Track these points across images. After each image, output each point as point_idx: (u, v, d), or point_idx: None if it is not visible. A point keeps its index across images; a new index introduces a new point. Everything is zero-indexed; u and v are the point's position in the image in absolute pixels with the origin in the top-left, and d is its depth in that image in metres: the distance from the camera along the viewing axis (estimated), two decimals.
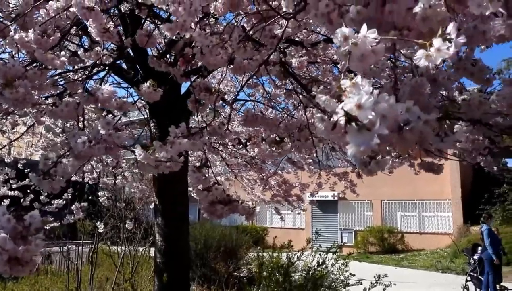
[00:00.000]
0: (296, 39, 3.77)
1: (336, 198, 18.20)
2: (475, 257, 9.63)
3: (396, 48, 0.98)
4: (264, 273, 5.29)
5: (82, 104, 1.63)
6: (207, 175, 1.50)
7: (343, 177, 7.71)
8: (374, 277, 5.39)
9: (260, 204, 11.15)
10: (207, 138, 1.56)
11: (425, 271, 12.91)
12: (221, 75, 5.77)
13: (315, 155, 6.61)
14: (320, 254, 5.61)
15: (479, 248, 9.72)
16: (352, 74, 0.76)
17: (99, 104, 1.68)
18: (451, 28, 0.76)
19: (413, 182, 12.08)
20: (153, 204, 4.65)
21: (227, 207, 1.51)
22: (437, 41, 0.76)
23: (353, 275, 5.60)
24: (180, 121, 3.24)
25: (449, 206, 16.69)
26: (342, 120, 0.67)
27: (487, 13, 0.82)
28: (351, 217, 19.26)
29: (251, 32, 2.19)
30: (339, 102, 0.73)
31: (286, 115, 4.85)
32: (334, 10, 1.06)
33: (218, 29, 2.90)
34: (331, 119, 0.90)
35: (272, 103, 5.78)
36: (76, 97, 1.69)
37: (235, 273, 9.46)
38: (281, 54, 3.89)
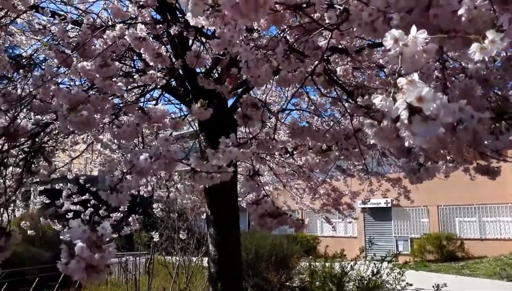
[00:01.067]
0: (340, 46, 3.76)
1: (389, 205, 17.67)
2: None
3: (443, 50, 0.98)
4: (317, 283, 5.25)
5: (139, 123, 1.75)
6: (259, 183, 1.55)
7: (396, 183, 7.51)
8: (433, 286, 5.18)
9: (309, 212, 11.06)
10: (255, 147, 1.61)
11: (488, 279, 12.19)
12: (266, 86, 5.84)
13: (364, 161, 6.50)
14: (374, 263, 5.48)
15: None
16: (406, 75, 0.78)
17: (153, 124, 1.79)
18: (504, 19, 0.77)
19: (472, 185, 11.53)
20: (204, 214, 4.77)
21: (276, 220, 1.55)
22: (490, 33, 0.76)
23: (410, 285, 5.43)
24: (229, 133, 3.34)
25: (511, 210, 15.72)
26: (405, 114, 0.68)
27: None
28: (406, 224, 18.61)
29: (294, 44, 2.23)
30: (395, 102, 0.75)
31: (332, 123, 4.83)
32: (378, 18, 1.08)
33: (262, 43, 2.97)
34: (382, 124, 0.92)
35: (318, 112, 5.77)
36: (132, 116, 1.81)
37: (288, 283, 9.41)
38: (325, 63, 3.90)
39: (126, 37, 1.81)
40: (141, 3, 2.99)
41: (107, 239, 1.10)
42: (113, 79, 1.75)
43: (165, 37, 3.59)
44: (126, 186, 1.45)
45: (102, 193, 1.52)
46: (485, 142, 0.85)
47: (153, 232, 7.90)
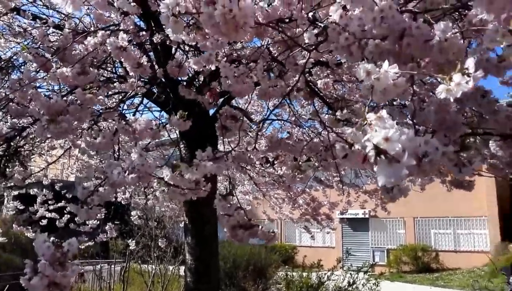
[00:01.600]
0: (322, 59, 3.82)
1: (367, 216, 17.88)
2: None
3: (414, 79, 1.02)
4: None
5: (119, 133, 1.74)
6: (232, 202, 1.55)
7: (373, 194, 7.61)
8: None
9: (288, 222, 11.08)
10: (231, 161, 1.62)
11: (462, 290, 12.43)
12: (249, 96, 5.86)
13: (343, 172, 6.58)
14: (350, 274, 5.53)
15: None
16: (377, 108, 0.81)
17: (136, 135, 1.78)
18: (469, 63, 0.80)
19: (447, 198, 11.78)
20: (183, 223, 4.74)
21: (247, 232, 1.56)
22: (456, 76, 0.80)
23: None
24: (210, 142, 3.33)
25: (485, 223, 16.09)
26: (372, 153, 0.71)
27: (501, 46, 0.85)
28: (383, 235, 18.83)
29: (277, 57, 2.26)
30: (364, 135, 0.78)
31: (312, 134, 4.88)
32: (354, 43, 1.11)
33: (246, 53, 3.00)
34: (352, 148, 0.95)
35: (299, 123, 5.82)
36: (112, 124, 1.80)
37: None
38: (307, 74, 3.95)
39: (107, 46, 1.81)
40: (124, 9, 2.98)
41: (72, 255, 1.10)
42: (93, 91, 1.73)
43: (148, 44, 3.58)
44: (98, 199, 1.44)
45: (72, 206, 1.51)
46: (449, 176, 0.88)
47: (130, 240, 7.79)
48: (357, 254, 17.31)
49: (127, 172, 1.41)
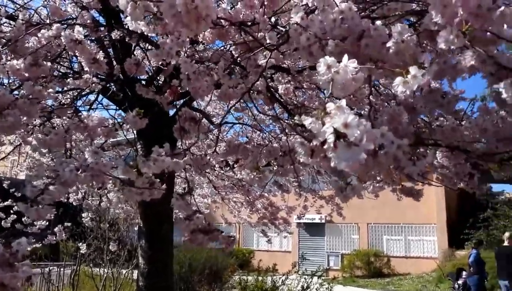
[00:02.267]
0: (284, 65, 3.86)
1: (323, 221, 18.19)
2: (460, 281, 9.70)
3: (372, 78, 1.04)
4: None
5: (71, 130, 1.67)
6: (189, 202, 1.53)
7: (329, 200, 7.76)
8: None
9: (246, 226, 11.09)
10: (189, 158, 1.60)
11: None
12: (210, 98, 5.80)
13: (302, 178, 6.66)
14: (305, 278, 5.59)
15: (464, 272, 9.80)
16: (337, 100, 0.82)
17: (88, 132, 1.71)
18: (425, 58, 0.83)
19: (399, 206, 12.17)
20: (137, 225, 4.62)
21: (207, 236, 1.54)
22: (413, 69, 0.83)
23: None
24: (168, 143, 3.27)
25: (434, 230, 16.80)
26: (331, 138, 0.72)
27: (453, 47, 0.89)
28: (338, 240, 19.22)
29: (239, 59, 2.26)
30: (323, 125, 0.79)
31: (272, 139, 4.92)
32: (314, 44, 1.13)
33: (208, 55, 2.98)
34: (311, 144, 0.96)
35: (259, 127, 5.84)
36: (65, 121, 1.72)
37: None
38: (268, 80, 3.98)
39: (62, 38, 1.73)
40: (84, 3, 2.88)
41: (22, 256, 1.03)
42: (43, 84, 1.65)
43: (107, 41, 3.47)
44: (48, 198, 1.37)
45: (20, 205, 1.42)
46: (405, 167, 0.91)
47: (81, 242, 7.51)
48: (312, 259, 17.59)
49: (79, 170, 1.35)
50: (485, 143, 2.41)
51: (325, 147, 0.71)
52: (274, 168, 2.23)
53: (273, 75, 3.92)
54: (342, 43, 1.05)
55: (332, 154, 0.72)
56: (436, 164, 3.32)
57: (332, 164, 0.76)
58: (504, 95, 0.78)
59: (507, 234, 9.01)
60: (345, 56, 0.80)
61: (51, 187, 1.42)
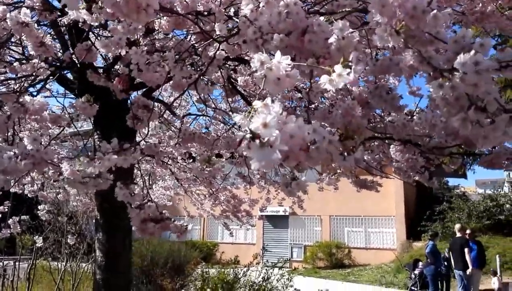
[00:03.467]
0: (246, 58, 3.85)
1: (287, 213, 18.42)
2: (416, 272, 10.09)
3: (313, 74, 1.05)
4: (208, 290, 5.26)
5: (13, 116, 1.59)
6: (135, 192, 1.50)
7: None
8: None
9: (210, 219, 11.06)
10: (139, 153, 1.56)
11: (370, 285, 13.28)
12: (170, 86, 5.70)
13: (264, 170, 6.70)
14: (266, 270, 5.65)
15: (420, 263, 10.20)
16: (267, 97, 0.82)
17: (32, 117, 1.64)
18: (352, 56, 0.84)
19: (360, 198, 12.50)
20: (94, 219, 4.51)
21: (158, 225, 1.52)
22: (338, 68, 0.84)
23: (298, 290, 5.69)
24: (126, 133, 3.19)
25: (393, 222, 17.36)
26: (247, 138, 0.72)
27: (390, 45, 0.91)
28: (301, 232, 19.52)
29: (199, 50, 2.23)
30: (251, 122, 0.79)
31: (234, 130, 4.91)
32: (261, 37, 1.13)
33: (168, 44, 2.92)
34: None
35: (222, 119, 5.81)
36: (7, 109, 1.65)
37: (182, 290, 9.27)
38: (231, 71, 3.96)
39: (7, 21, 1.65)
40: None
41: None
42: None
43: (61, 26, 3.34)
44: None
45: None
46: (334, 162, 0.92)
47: (37, 236, 7.26)
48: (276, 250, 17.80)
49: (19, 157, 1.29)
50: (435, 138, 2.51)
51: (241, 146, 0.71)
52: (221, 163, 2.24)
53: (236, 67, 3.91)
54: (287, 38, 1.05)
55: (245, 153, 0.73)
56: (392, 158, 3.43)
57: (252, 166, 0.76)
58: (433, 95, 0.81)
59: (457, 226, 9.46)
60: (278, 53, 0.81)
61: None
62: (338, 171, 4.36)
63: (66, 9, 1.05)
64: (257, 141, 0.69)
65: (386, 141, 3.09)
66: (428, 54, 0.97)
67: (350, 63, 0.82)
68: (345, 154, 0.86)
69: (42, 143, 1.60)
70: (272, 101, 0.71)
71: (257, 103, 0.71)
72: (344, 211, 17.95)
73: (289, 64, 0.80)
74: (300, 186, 1.16)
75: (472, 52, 0.75)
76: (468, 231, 9.22)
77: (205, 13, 1.94)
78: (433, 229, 14.97)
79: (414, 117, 2.30)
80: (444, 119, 2.26)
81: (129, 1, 0.92)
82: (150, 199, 1.78)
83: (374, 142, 2.95)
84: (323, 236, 18.63)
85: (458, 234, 9.11)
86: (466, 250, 8.63)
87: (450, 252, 9.30)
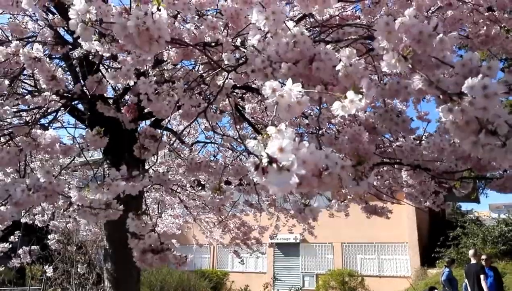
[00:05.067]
0: (253, 86, 3.90)
1: (297, 241, 18.13)
2: None
3: (322, 101, 1.06)
4: None
5: (24, 150, 1.61)
6: (146, 223, 1.49)
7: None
8: None
9: (219, 247, 10.94)
10: (148, 180, 1.57)
11: None
12: (176, 116, 5.76)
13: (273, 197, 6.66)
14: None
15: None
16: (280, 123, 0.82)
17: (42, 150, 1.66)
18: (364, 83, 0.85)
19: (372, 224, 12.30)
20: (103, 248, 4.48)
21: (157, 256, 1.50)
22: (350, 94, 0.84)
23: None
24: (136, 162, 3.21)
25: (406, 249, 16.99)
26: (264, 163, 0.72)
27: (396, 71, 0.92)
28: (312, 260, 19.15)
29: (207, 79, 2.27)
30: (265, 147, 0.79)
31: (244, 158, 4.91)
32: (269, 66, 1.14)
33: (176, 75, 2.97)
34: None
35: (230, 146, 5.83)
36: (18, 141, 1.67)
37: None
38: (239, 99, 4.00)
39: (20, 57, 1.70)
40: (48, 21, 2.84)
41: None
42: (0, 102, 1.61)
43: (73, 59, 3.42)
44: None
45: None
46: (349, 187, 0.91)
47: (47, 265, 7.23)
48: (287, 279, 17.47)
49: (31, 190, 1.30)
50: (445, 162, 2.49)
51: (257, 171, 0.71)
52: (230, 191, 2.22)
53: (243, 95, 3.95)
54: (295, 66, 1.07)
55: (263, 180, 0.73)
56: (403, 183, 3.40)
57: (270, 191, 0.76)
58: (443, 119, 0.80)
59: (471, 252, 9.21)
60: (289, 80, 0.82)
61: (2, 208, 1.36)
62: (348, 197, 4.31)
63: (79, 40, 1.07)
64: (274, 165, 0.69)
65: (395, 166, 3.06)
66: (435, 77, 0.97)
67: (361, 89, 0.83)
68: (358, 179, 0.85)
69: (53, 173, 1.61)
70: (285, 127, 0.72)
71: (271, 129, 0.72)
72: (356, 238, 17.63)
73: (300, 91, 0.81)
74: (314, 212, 1.15)
75: (480, 76, 0.75)
76: (483, 257, 8.97)
77: (213, 44, 1.98)
78: (448, 255, 14.60)
79: (423, 142, 2.29)
80: (453, 143, 2.25)
81: (142, 33, 0.94)
82: (153, 228, 1.76)
83: (384, 168, 2.93)
84: (335, 263, 18.25)
85: (473, 260, 8.87)
86: (482, 276, 8.38)
87: (466, 279, 9.04)
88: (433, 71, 1.02)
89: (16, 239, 6.80)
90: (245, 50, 1.61)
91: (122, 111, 2.09)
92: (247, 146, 0.75)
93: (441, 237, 16.51)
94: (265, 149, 0.74)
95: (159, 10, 0.96)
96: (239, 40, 2.10)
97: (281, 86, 0.83)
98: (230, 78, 1.61)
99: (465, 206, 22.21)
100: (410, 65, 0.90)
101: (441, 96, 1.05)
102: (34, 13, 2.81)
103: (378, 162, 2.34)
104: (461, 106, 0.75)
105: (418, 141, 2.16)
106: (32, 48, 1.70)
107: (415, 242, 16.58)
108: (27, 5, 1.26)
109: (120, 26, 0.99)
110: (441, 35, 0.87)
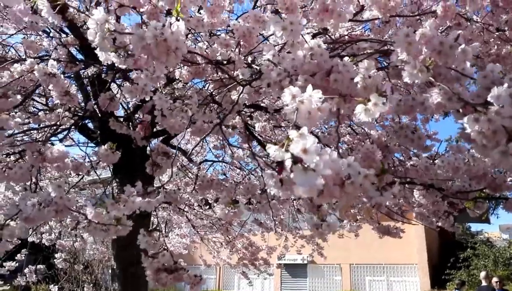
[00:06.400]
0: (262, 104, 3.91)
1: (305, 262, 17.88)
2: None
3: (340, 112, 1.05)
4: None
5: (32, 164, 1.61)
6: (158, 240, 1.47)
7: (310, 239, 7.66)
8: None
9: (226, 268, 10.81)
10: (162, 197, 1.55)
11: None
12: (190, 136, 5.77)
13: (282, 217, 6.59)
14: None
15: None
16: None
17: (53, 165, 1.66)
18: (387, 86, 0.84)
19: (381, 245, 12.12)
20: (111, 267, 4.45)
21: (171, 276, 1.47)
22: (374, 97, 0.83)
23: None
24: (145, 181, 3.21)
25: (416, 270, 16.67)
26: (289, 163, 0.71)
27: (418, 82, 0.91)
28: (320, 281, 18.84)
29: (216, 97, 2.27)
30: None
31: (252, 176, 4.89)
32: (285, 79, 1.14)
33: (187, 93, 2.99)
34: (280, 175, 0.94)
35: (239, 164, 5.82)
36: (26, 157, 1.67)
37: None
38: (247, 118, 4.01)
39: (35, 72, 1.72)
40: (61, 40, 2.89)
41: None
42: (11, 114, 1.62)
43: (84, 77, 3.47)
44: (7, 234, 1.30)
45: None
46: (371, 197, 0.89)
47: (53, 285, 7.17)
48: None
49: (42, 204, 1.29)
50: (458, 182, 2.45)
51: (283, 173, 0.70)
52: (243, 205, 2.20)
53: (252, 114, 3.96)
54: (312, 78, 1.06)
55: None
56: (414, 203, 3.34)
57: (295, 192, 0.74)
58: (468, 130, 0.79)
59: (482, 274, 9.00)
60: (309, 86, 0.81)
61: (12, 223, 1.35)
62: (359, 217, 4.26)
63: (96, 51, 1.08)
64: (300, 165, 0.68)
65: (407, 185, 3.02)
66: (455, 90, 0.96)
67: (384, 93, 0.81)
68: (382, 189, 0.83)
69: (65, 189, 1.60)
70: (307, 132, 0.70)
71: (292, 133, 0.71)
72: (365, 259, 17.35)
73: (320, 98, 0.80)
74: (331, 227, 1.13)
75: (506, 85, 0.73)
76: (495, 279, 8.76)
77: (225, 61, 1.99)
78: (458, 277, 14.29)
79: (436, 161, 2.26)
80: (467, 162, 2.22)
81: (159, 44, 0.94)
82: (165, 247, 1.74)
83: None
84: (344, 285, 17.92)
85: (484, 283, 8.67)
86: None
87: None
88: (453, 84, 1.01)
89: (23, 258, 6.78)
90: (258, 67, 1.62)
91: (134, 128, 2.10)
92: (268, 151, 0.73)
93: (451, 258, 16.21)
94: (286, 154, 0.72)
95: (178, 20, 0.96)
96: (249, 58, 2.11)
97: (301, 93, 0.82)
98: (245, 93, 1.61)
99: (475, 227, 21.87)
100: (431, 77, 0.89)
101: (461, 110, 1.03)
102: (49, 31, 2.87)
103: (391, 181, 2.30)
104: (487, 116, 0.74)
105: (431, 161, 2.13)
106: (47, 65, 1.72)
107: (425, 263, 16.27)
108: (46, 13, 1.27)
109: (138, 37, 1.00)
110: (463, 45, 0.86)
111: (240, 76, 1.40)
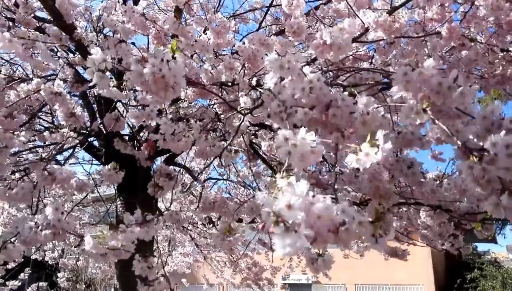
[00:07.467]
0: (267, 123, 3.91)
1: (310, 282, 17.62)
2: None
3: (338, 148, 1.04)
4: None
5: (39, 185, 1.62)
6: (153, 265, 1.45)
7: None
8: None
9: (230, 288, 10.68)
10: (162, 224, 1.54)
11: None
12: (194, 153, 5.76)
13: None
14: None
15: None
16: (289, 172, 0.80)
17: (58, 185, 1.67)
18: (379, 135, 0.83)
19: (387, 265, 11.93)
20: (113, 287, 4.40)
21: None
22: (365, 147, 0.82)
23: None
24: (150, 199, 3.20)
25: None
26: (271, 220, 0.66)
27: (417, 122, 0.90)
28: None
29: (222, 117, 2.28)
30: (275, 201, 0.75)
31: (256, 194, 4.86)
32: (285, 110, 1.14)
33: (192, 112, 3.00)
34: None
35: (243, 183, 5.79)
36: (34, 176, 1.68)
37: None
38: (252, 136, 4.01)
39: (41, 92, 1.73)
40: (69, 60, 2.93)
41: None
42: (15, 133, 1.63)
43: (91, 97, 3.50)
44: (5, 256, 1.29)
45: None
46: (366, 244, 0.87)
47: None
48: None
49: (40, 227, 1.28)
50: (466, 203, 2.41)
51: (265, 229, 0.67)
52: (240, 233, 2.17)
53: (257, 132, 3.96)
54: (311, 112, 1.06)
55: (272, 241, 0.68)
56: (419, 225, 3.30)
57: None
58: (463, 175, 0.78)
59: None
60: (302, 130, 0.80)
61: (9, 245, 1.34)
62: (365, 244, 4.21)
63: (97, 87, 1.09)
64: (281, 225, 0.64)
65: (413, 207, 2.99)
66: (455, 127, 0.95)
67: (377, 142, 0.80)
68: (378, 236, 0.81)
69: (66, 209, 1.60)
70: (297, 179, 0.68)
71: (281, 182, 0.69)
72: (370, 279, 17.07)
73: (313, 140, 0.79)
74: (327, 264, 1.10)
75: (503, 132, 0.72)
76: None
77: (229, 83, 2.00)
78: None
79: (443, 182, 2.24)
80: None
81: (157, 80, 0.95)
82: (163, 273, 1.71)
83: (403, 209, 2.86)
84: None
85: None
86: None
87: None
88: (454, 121, 1.00)
89: (26, 277, 6.74)
90: (262, 91, 1.62)
91: (139, 148, 2.10)
92: (256, 198, 0.72)
93: (458, 279, 15.93)
94: (274, 202, 0.69)
95: (174, 58, 0.97)
96: (254, 80, 2.12)
97: (294, 135, 0.81)
98: (247, 121, 1.61)
99: (481, 247, 21.50)
100: (429, 118, 0.88)
101: (459, 146, 1.02)
102: (57, 51, 2.91)
103: (398, 202, 2.29)
104: (482, 165, 0.73)
105: (438, 182, 2.11)
106: (53, 84, 1.74)
107: (431, 284, 15.99)
108: (44, 58, 1.29)
109: (137, 73, 1.00)
110: (461, 88, 0.85)
111: (242, 105, 1.41)
